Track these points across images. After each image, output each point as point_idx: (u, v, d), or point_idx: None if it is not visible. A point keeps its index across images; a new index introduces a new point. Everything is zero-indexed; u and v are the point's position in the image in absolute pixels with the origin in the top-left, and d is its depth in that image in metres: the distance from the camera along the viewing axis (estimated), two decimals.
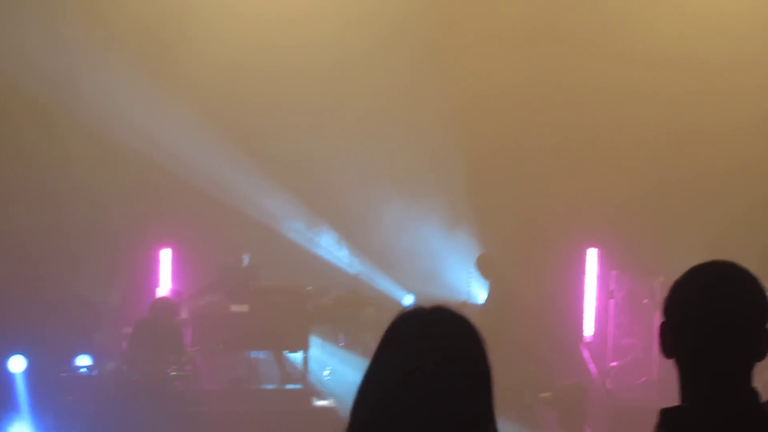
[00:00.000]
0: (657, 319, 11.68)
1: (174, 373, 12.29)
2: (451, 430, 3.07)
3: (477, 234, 14.93)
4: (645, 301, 12.56)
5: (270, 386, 12.87)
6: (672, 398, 3.40)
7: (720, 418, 3.26)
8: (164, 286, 13.86)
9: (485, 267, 14.07)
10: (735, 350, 3.22)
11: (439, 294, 13.86)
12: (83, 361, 12.87)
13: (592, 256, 14.06)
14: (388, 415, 3.07)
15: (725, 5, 14.84)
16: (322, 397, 12.88)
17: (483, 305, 13.69)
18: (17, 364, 12.83)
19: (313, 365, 13.54)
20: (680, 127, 14.57)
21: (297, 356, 13.70)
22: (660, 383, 11.75)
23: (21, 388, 12.94)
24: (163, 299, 12.67)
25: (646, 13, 14.90)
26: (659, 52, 14.65)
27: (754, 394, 3.24)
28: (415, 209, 14.73)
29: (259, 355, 13.63)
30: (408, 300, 13.95)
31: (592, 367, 13.20)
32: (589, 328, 14.21)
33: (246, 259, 13.43)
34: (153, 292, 13.77)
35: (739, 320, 3.24)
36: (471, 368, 3.09)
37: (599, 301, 13.92)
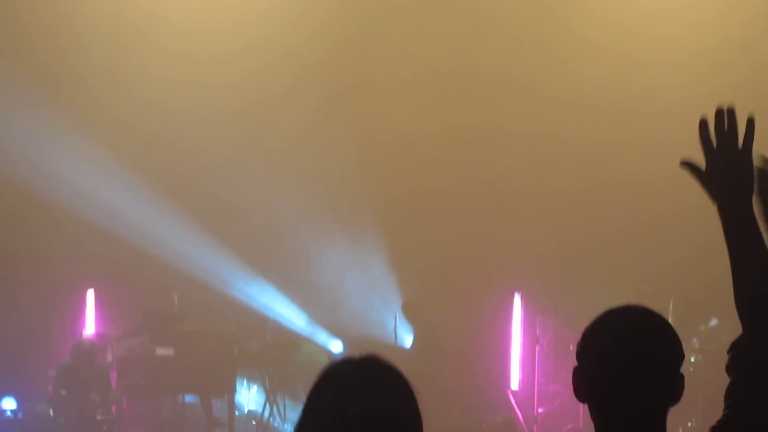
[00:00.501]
0: None
1: (99, 417, 12.08)
2: None
3: (402, 279, 14.96)
4: (571, 347, 12.68)
5: None
6: None
7: None
8: (88, 328, 13.52)
9: (411, 312, 14.10)
10: (649, 395, 3.26)
11: (367, 336, 13.77)
12: (8, 404, 12.63)
13: (517, 301, 14.09)
14: None
15: (653, 53, 14.98)
16: None
17: (409, 350, 13.73)
18: None
19: (239, 410, 13.39)
20: (606, 173, 14.59)
21: (223, 401, 13.37)
22: (587, 430, 11.77)
23: None
24: (84, 341, 12.53)
25: (569, 56, 14.89)
26: (583, 97, 14.65)
27: None
28: (339, 252, 14.76)
29: (186, 399, 13.36)
30: (335, 346, 13.93)
31: (519, 414, 13.17)
32: (515, 375, 14.16)
33: (175, 300, 13.37)
34: (77, 334, 13.46)
35: (654, 366, 3.26)
36: (402, 424, 3.07)
37: (525, 347, 13.94)
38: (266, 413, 13.23)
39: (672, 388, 3.26)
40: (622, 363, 3.25)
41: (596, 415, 3.29)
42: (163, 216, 14.61)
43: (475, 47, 15.31)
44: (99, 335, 13.38)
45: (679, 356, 3.29)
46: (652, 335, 3.28)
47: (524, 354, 14.32)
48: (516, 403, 13.86)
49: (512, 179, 15.13)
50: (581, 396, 3.28)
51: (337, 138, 14.41)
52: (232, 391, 13.10)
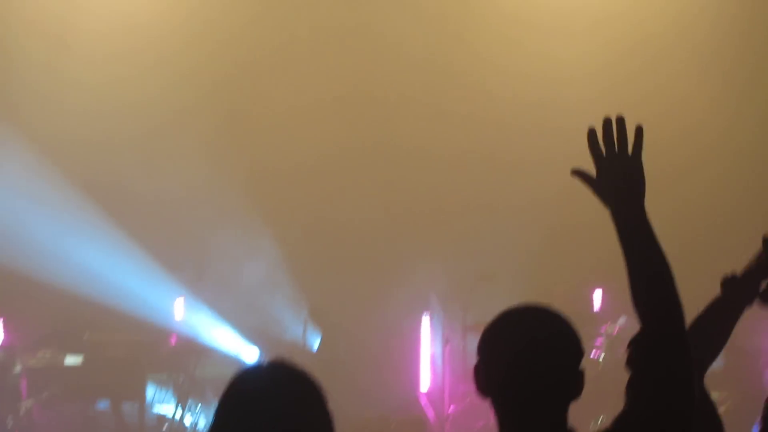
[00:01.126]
0: None
1: (10, 426, 12.10)
2: None
3: (309, 284, 15.23)
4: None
5: None
6: None
7: None
8: None
9: (318, 315, 14.36)
10: (549, 390, 3.32)
11: (276, 340, 14.10)
12: None
13: (433, 300, 14.35)
14: None
15: (556, 72, 15.26)
16: None
17: (318, 353, 14.05)
18: None
19: (149, 415, 13.55)
20: (511, 184, 14.94)
21: (134, 407, 13.53)
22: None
23: None
24: None
25: (466, 72, 15.20)
26: (482, 112, 15.02)
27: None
28: (246, 259, 15.06)
29: (98, 406, 13.57)
30: (249, 351, 14.17)
31: (430, 414, 13.39)
32: (425, 376, 14.39)
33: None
34: None
35: (552, 361, 3.33)
36: (315, 427, 3.12)
37: (434, 348, 14.20)
38: (176, 418, 13.34)
39: (572, 382, 3.33)
40: (521, 358, 3.32)
41: (497, 409, 3.35)
42: (70, 219, 14.57)
43: (375, 71, 15.51)
44: (4, 347, 13.37)
45: (578, 352, 3.35)
46: (551, 332, 3.36)
47: (434, 355, 14.47)
48: (427, 403, 14.00)
49: (420, 188, 15.27)
50: (483, 391, 3.36)
51: (231, 165, 14.78)
52: (143, 397, 13.20)
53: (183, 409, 13.67)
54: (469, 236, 15.06)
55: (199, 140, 15.33)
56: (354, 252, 14.95)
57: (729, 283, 4.14)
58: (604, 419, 12.89)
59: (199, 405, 13.64)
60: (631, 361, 3.47)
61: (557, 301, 4.39)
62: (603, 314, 14.13)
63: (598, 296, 14.47)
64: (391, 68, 15.69)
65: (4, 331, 13.96)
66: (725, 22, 15.41)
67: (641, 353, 3.45)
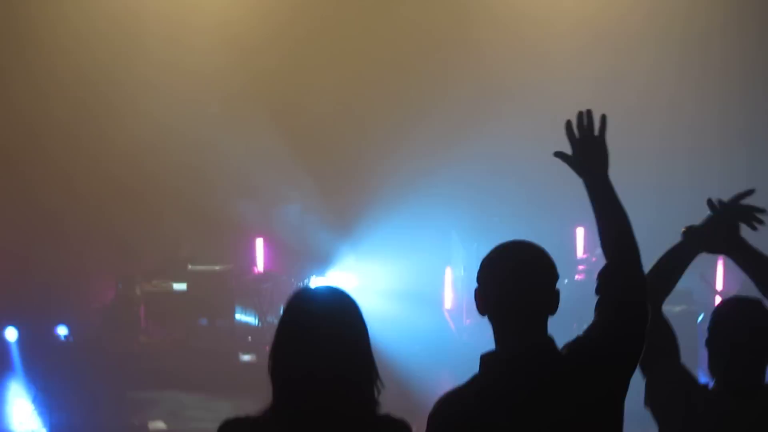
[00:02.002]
0: None
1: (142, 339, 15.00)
2: (345, 377, 3.61)
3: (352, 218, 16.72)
4: None
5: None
6: None
7: (522, 359, 3.82)
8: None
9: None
10: (533, 307, 3.81)
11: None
12: (62, 330, 14.91)
13: (454, 237, 16.17)
14: (295, 370, 3.61)
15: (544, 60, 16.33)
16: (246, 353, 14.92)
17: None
18: (11, 334, 14.92)
19: (238, 328, 15.67)
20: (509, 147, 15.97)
21: (226, 322, 15.63)
22: None
23: (15, 354, 14.95)
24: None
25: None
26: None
27: (550, 339, 3.85)
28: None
29: (200, 322, 15.73)
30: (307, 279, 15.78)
31: (452, 324, 15.56)
32: (448, 295, 16.31)
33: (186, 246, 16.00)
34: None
35: (535, 283, 3.82)
36: (356, 329, 3.68)
37: (455, 273, 16.08)
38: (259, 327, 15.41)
39: (549, 300, 3.83)
40: (508, 281, 3.83)
41: (494, 323, 3.85)
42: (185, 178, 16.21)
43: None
44: (128, 276, 15.75)
45: (553, 276, 3.87)
46: (531, 260, 3.86)
47: (455, 279, 16.36)
48: (449, 317, 16.06)
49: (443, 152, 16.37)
50: (481, 310, 3.86)
51: None
52: (233, 314, 15.47)
53: (263, 324, 15.57)
54: (481, 187, 16.09)
55: (273, 115, 16.51)
56: (393, 197, 16.00)
57: (687, 232, 4.75)
58: (576, 327, 14.58)
59: (275, 320, 14.63)
60: (598, 287, 4.02)
61: (548, 237, 5.40)
62: (585, 246, 15.84)
63: (581, 233, 15.87)
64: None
65: (127, 263, 16.19)
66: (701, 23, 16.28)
67: (606, 280, 3.99)
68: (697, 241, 4.73)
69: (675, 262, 4.74)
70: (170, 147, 16.13)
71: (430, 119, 16.40)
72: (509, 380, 3.78)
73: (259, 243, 16.89)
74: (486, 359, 3.86)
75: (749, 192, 4.74)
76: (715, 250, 4.79)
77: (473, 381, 3.86)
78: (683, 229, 4.79)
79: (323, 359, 3.57)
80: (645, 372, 4.58)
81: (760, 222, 4.78)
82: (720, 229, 4.75)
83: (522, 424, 3.70)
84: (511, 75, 16.21)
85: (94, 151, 16.09)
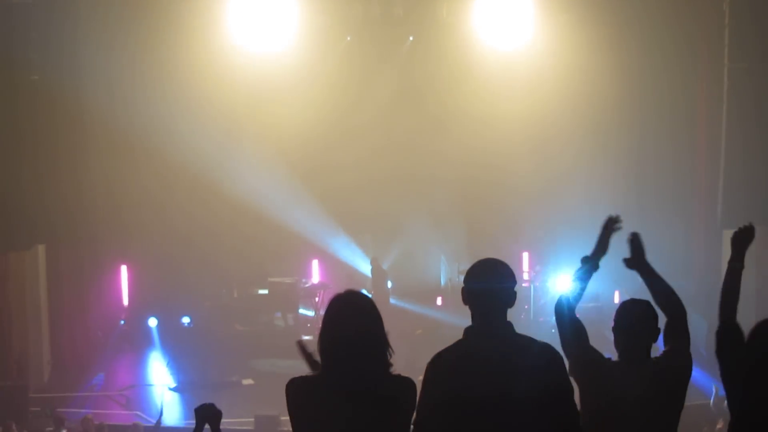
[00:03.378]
0: None
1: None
2: (366, 347, 4.48)
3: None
4: None
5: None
6: None
7: (490, 332, 4.67)
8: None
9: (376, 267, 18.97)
10: (497, 301, 4.70)
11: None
12: (185, 320, 18.59)
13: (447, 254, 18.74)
14: (335, 343, 4.51)
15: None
16: (306, 335, 17.11)
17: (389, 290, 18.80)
18: (153, 322, 18.46)
19: (300, 320, 18.53)
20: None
21: (292, 315, 18.81)
22: None
23: (156, 336, 18.45)
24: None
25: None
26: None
27: (510, 325, 4.69)
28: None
29: (276, 314, 18.92)
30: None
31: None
32: (439, 297, 19.82)
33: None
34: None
35: (500, 284, 4.67)
36: (372, 317, 4.57)
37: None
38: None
39: (510, 296, 4.73)
40: (483, 283, 4.67)
41: (472, 311, 4.74)
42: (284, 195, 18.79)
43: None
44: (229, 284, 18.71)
45: (513, 281, 4.72)
46: (497, 269, 4.74)
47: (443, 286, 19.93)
48: (440, 308, 19.17)
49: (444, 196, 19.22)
50: (465, 302, 4.73)
51: None
52: (297, 309, 18.64)
53: (316, 316, 18.37)
54: (471, 223, 19.03)
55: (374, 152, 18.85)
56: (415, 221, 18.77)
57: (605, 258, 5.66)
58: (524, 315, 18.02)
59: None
60: (666, 333, 5.38)
61: (506, 257, 5.43)
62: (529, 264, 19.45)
63: (526, 256, 19.65)
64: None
65: (228, 275, 18.90)
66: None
67: (671, 330, 5.43)
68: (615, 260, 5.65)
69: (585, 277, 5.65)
70: (259, 202, 18.65)
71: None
72: (481, 345, 4.57)
73: (315, 263, 19.92)
74: (467, 331, 4.71)
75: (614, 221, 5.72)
76: (630, 267, 5.66)
77: (458, 344, 4.65)
78: (581, 258, 5.68)
79: (352, 336, 4.42)
80: (565, 350, 5.33)
81: (619, 227, 5.72)
82: (632, 255, 5.65)
83: (488, 373, 4.47)
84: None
85: (213, 204, 18.77)
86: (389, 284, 19.24)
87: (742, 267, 5.36)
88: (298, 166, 19.11)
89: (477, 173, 19.19)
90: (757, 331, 5.01)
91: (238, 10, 17.23)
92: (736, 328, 5.20)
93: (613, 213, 5.66)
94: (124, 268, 19.08)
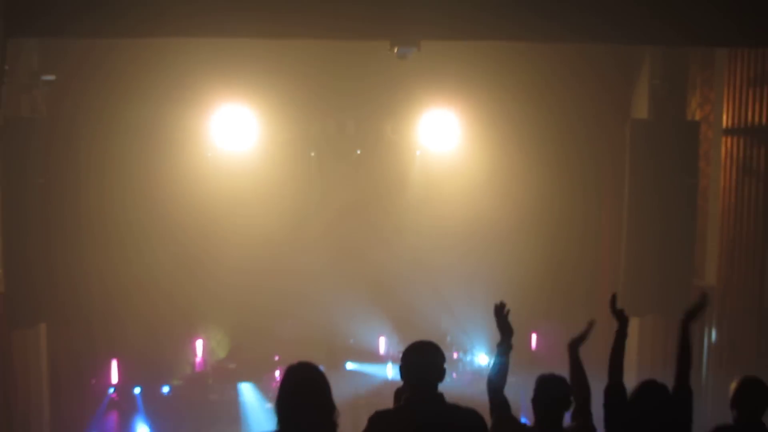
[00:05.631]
0: None
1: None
2: (319, 415, 5.18)
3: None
4: None
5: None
6: None
7: (421, 403, 5.42)
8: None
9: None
10: (430, 375, 5.45)
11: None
12: (165, 389, 19.27)
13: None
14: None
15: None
16: None
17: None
18: (137, 390, 19.05)
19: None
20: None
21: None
22: None
23: (139, 402, 19.09)
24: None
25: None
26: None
27: (441, 396, 5.40)
28: None
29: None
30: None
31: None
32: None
33: None
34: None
35: (431, 361, 5.42)
36: (325, 391, 5.28)
37: None
38: None
39: (440, 372, 5.49)
40: (413, 362, 5.43)
41: (409, 384, 5.53)
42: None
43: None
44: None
45: (443, 359, 5.57)
46: (430, 349, 5.52)
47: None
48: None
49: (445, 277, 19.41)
50: (402, 377, 5.60)
51: None
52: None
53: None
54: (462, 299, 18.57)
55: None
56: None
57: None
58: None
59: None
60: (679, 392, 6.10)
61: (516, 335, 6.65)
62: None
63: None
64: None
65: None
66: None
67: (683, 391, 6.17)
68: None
69: (501, 365, 6.28)
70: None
71: None
72: (417, 409, 5.26)
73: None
74: (405, 398, 5.43)
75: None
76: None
77: (397, 408, 5.38)
78: (497, 344, 6.30)
79: (302, 402, 5.09)
80: (492, 417, 6.04)
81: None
82: (505, 335, 6.28)
83: None
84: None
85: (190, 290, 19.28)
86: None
87: (624, 338, 6.32)
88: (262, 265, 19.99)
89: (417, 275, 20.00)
90: (637, 390, 5.98)
91: (215, 124, 18.62)
92: (621, 387, 6.14)
93: (497, 301, 6.42)
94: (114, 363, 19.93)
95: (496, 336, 6.52)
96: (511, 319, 6.65)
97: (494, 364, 6.36)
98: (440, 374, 5.47)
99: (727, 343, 14.93)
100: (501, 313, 6.41)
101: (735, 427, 6.42)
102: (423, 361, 5.46)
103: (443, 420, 5.16)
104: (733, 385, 6.47)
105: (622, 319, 6.27)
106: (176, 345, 19.78)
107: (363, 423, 6.02)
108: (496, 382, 6.25)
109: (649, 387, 6.04)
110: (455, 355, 19.06)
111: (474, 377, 17.99)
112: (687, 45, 15.26)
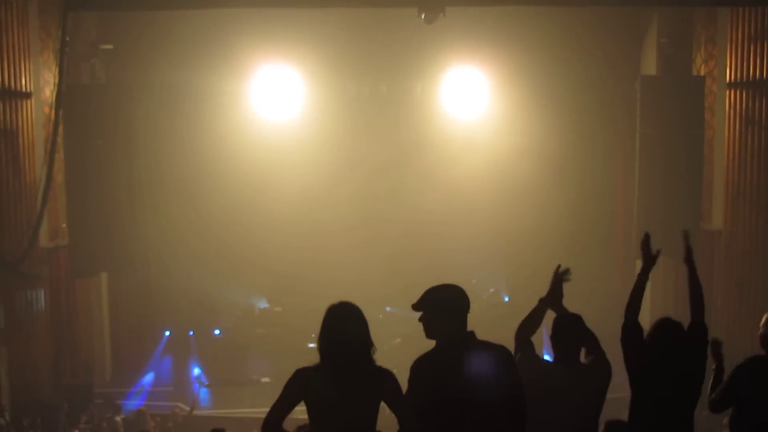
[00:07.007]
0: None
1: None
2: (354, 345, 4.97)
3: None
4: None
5: None
6: None
7: (455, 341, 5.07)
8: None
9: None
10: (455, 311, 5.14)
11: None
12: (216, 331, 20.40)
13: None
14: (329, 343, 5.01)
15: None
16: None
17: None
18: (191, 332, 20.05)
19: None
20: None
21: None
22: None
23: (193, 344, 20.06)
24: None
25: None
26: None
27: (472, 334, 5.12)
28: None
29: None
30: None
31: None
32: None
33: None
34: None
35: (456, 305, 5.15)
36: (359, 322, 5.04)
37: None
38: None
39: (466, 309, 5.15)
40: (439, 300, 5.12)
41: (429, 324, 5.21)
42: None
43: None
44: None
45: (467, 300, 5.16)
46: (454, 291, 5.16)
47: None
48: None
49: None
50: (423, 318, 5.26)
51: None
52: None
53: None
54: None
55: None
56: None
57: (541, 300, 6.02)
58: None
59: None
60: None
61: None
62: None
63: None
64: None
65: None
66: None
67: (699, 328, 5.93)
68: (545, 304, 6.10)
69: (536, 316, 6.04)
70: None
71: None
72: (451, 353, 5.03)
73: None
74: (438, 340, 5.20)
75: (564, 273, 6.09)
76: (552, 308, 6.06)
77: (434, 350, 5.13)
78: (539, 299, 5.99)
79: (342, 336, 4.97)
80: (516, 353, 5.72)
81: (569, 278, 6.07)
82: (552, 296, 6.05)
83: (455, 376, 4.94)
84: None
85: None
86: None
87: (646, 279, 5.95)
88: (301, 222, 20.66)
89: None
90: (654, 327, 5.81)
91: (257, 86, 19.39)
92: (637, 324, 5.90)
93: (562, 265, 6.14)
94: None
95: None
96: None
97: (530, 314, 6.15)
98: (466, 309, 5.22)
99: (734, 284, 15.52)
100: (559, 277, 6.18)
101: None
102: (449, 296, 5.23)
103: (477, 356, 5.04)
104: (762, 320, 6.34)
105: (649, 259, 5.99)
106: (227, 291, 20.34)
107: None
108: (526, 330, 6.05)
109: (665, 324, 5.84)
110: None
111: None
112: (691, 4, 16.16)
